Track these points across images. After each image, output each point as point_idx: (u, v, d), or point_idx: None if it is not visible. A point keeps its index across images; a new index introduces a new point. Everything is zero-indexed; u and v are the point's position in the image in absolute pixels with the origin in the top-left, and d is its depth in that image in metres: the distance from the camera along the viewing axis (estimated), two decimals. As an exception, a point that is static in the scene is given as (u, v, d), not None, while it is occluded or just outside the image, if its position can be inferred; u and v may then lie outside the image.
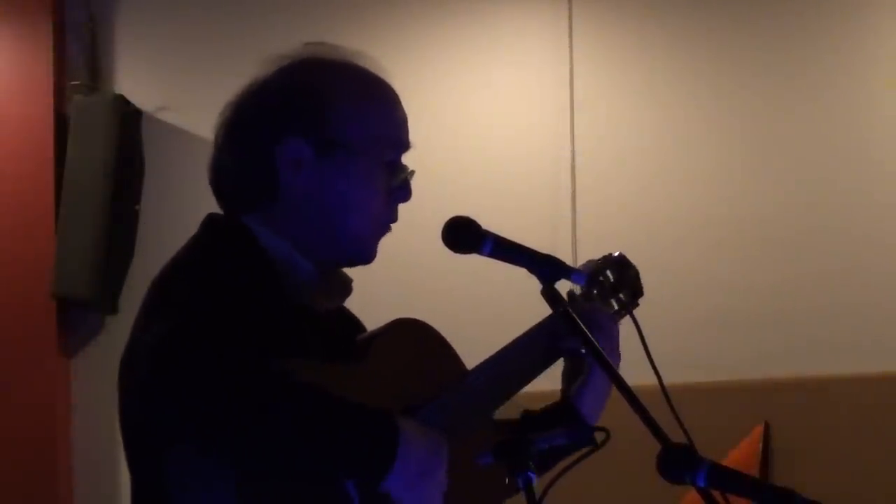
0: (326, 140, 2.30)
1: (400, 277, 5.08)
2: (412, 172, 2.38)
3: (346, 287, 2.39)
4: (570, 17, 5.35)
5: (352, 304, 2.48)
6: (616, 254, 2.57)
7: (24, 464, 5.41)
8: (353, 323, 2.46)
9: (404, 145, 2.38)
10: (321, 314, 2.33)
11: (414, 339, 2.36)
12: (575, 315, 2.16)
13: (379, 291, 5.33)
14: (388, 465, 2.10)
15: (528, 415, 2.51)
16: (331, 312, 2.38)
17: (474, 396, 2.32)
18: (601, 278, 2.54)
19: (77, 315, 5.53)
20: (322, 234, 2.31)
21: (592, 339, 2.16)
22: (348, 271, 2.41)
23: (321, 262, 2.33)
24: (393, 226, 2.40)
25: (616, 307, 2.55)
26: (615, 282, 2.56)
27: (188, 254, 2.27)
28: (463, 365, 2.39)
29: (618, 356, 2.46)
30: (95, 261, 5.35)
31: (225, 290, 2.16)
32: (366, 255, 2.36)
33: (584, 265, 2.55)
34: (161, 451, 2.11)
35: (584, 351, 2.39)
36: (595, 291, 2.50)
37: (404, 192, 2.37)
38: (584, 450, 2.24)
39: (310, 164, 2.29)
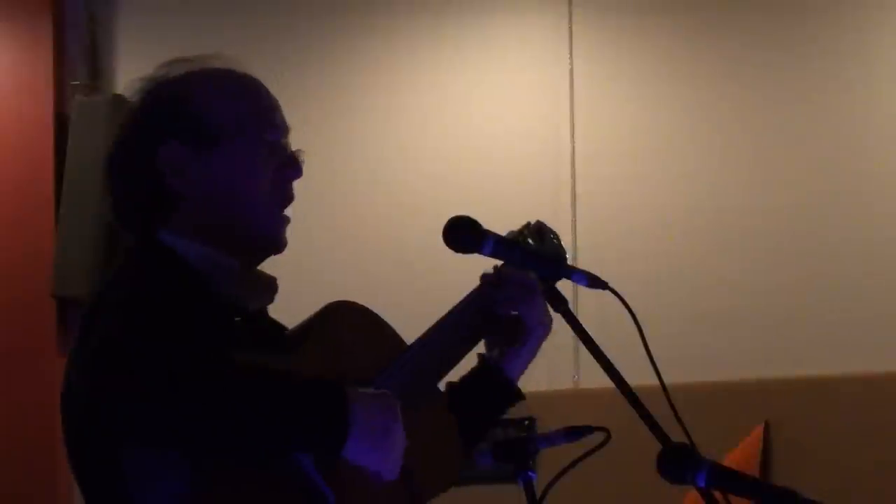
0: (197, 136, 2.31)
1: (400, 277, 5.08)
2: (300, 151, 2.38)
3: (270, 283, 2.39)
4: (570, 18, 5.35)
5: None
6: (533, 221, 2.57)
7: (24, 464, 5.41)
8: (278, 324, 2.46)
9: (278, 126, 2.37)
10: (252, 312, 2.34)
11: (349, 321, 2.36)
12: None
13: (379, 290, 5.33)
14: (343, 435, 2.09)
15: (452, 386, 2.50)
16: (259, 312, 2.38)
17: (416, 369, 2.32)
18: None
19: (77, 315, 5.53)
20: (226, 228, 2.32)
21: (590, 337, 2.17)
22: (272, 270, 2.41)
23: (240, 256, 2.34)
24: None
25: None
26: (536, 248, 2.55)
27: (112, 281, 2.29)
28: (402, 341, 2.39)
29: (550, 321, 2.47)
30: (95, 260, 5.35)
31: (154, 297, 2.17)
32: (270, 240, 2.36)
33: (504, 236, 2.54)
34: (112, 450, 2.12)
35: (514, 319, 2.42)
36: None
37: (291, 170, 2.37)
38: (588, 445, 2.25)
39: (190, 164, 2.30)
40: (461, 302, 2.42)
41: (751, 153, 5.20)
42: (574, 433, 2.24)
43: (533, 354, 2.50)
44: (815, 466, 4.77)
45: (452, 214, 2.22)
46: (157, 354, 2.04)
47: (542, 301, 2.42)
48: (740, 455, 4.73)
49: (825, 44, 5.17)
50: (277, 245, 2.36)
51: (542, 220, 2.56)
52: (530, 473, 2.10)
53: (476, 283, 2.43)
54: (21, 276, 5.49)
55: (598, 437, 2.24)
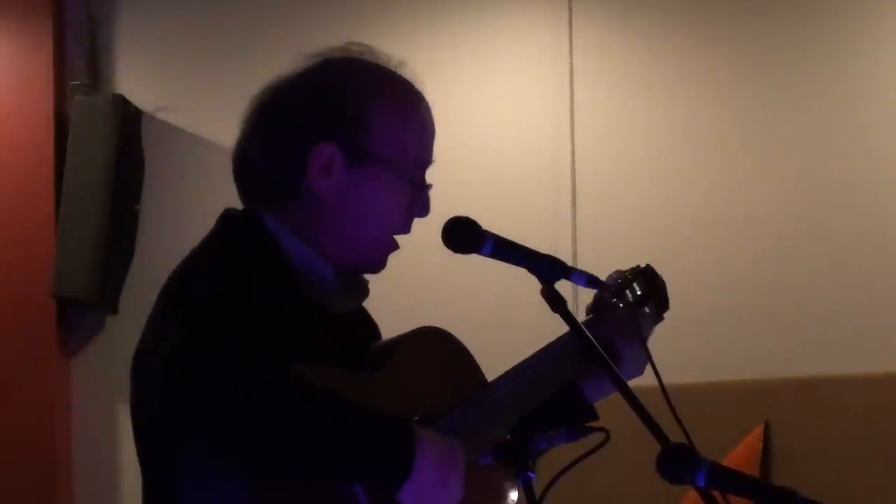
0: (360, 150, 2.31)
1: (399, 277, 5.06)
2: (430, 186, 2.40)
3: (363, 289, 2.40)
4: (570, 17, 5.35)
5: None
6: (643, 265, 2.56)
7: (24, 464, 5.41)
8: (370, 326, 2.46)
9: (426, 161, 2.40)
10: (338, 316, 2.33)
11: (436, 347, 2.36)
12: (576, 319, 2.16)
13: (377, 292, 5.33)
14: (403, 477, 2.10)
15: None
16: (348, 314, 2.38)
17: (495, 409, 2.30)
18: (628, 290, 2.52)
19: (77, 315, 5.53)
20: (339, 239, 2.32)
21: (590, 337, 2.16)
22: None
23: (337, 264, 2.33)
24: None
25: None
26: (643, 294, 2.54)
27: (203, 252, 2.27)
28: (483, 376, 2.38)
29: (645, 362, 2.43)
30: (95, 261, 5.35)
31: (238, 293, 2.15)
32: (376, 265, 2.39)
33: (611, 275, 2.53)
34: (174, 452, 2.12)
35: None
36: (622, 303, 2.48)
37: (422, 208, 2.39)
38: (588, 445, 2.24)
39: (340, 171, 2.30)
40: (555, 343, 2.38)
41: (751, 153, 5.20)
42: (574, 433, 2.24)
43: (605, 391, 2.46)
44: (815, 466, 4.76)
45: (451, 214, 2.22)
46: (232, 365, 2.03)
47: (640, 341, 2.40)
48: (740, 455, 4.72)
49: (828, 43, 5.17)
50: (377, 269, 2.39)
51: (651, 264, 2.55)
52: (530, 473, 2.10)
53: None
54: (21, 276, 5.49)
55: (598, 437, 2.24)
